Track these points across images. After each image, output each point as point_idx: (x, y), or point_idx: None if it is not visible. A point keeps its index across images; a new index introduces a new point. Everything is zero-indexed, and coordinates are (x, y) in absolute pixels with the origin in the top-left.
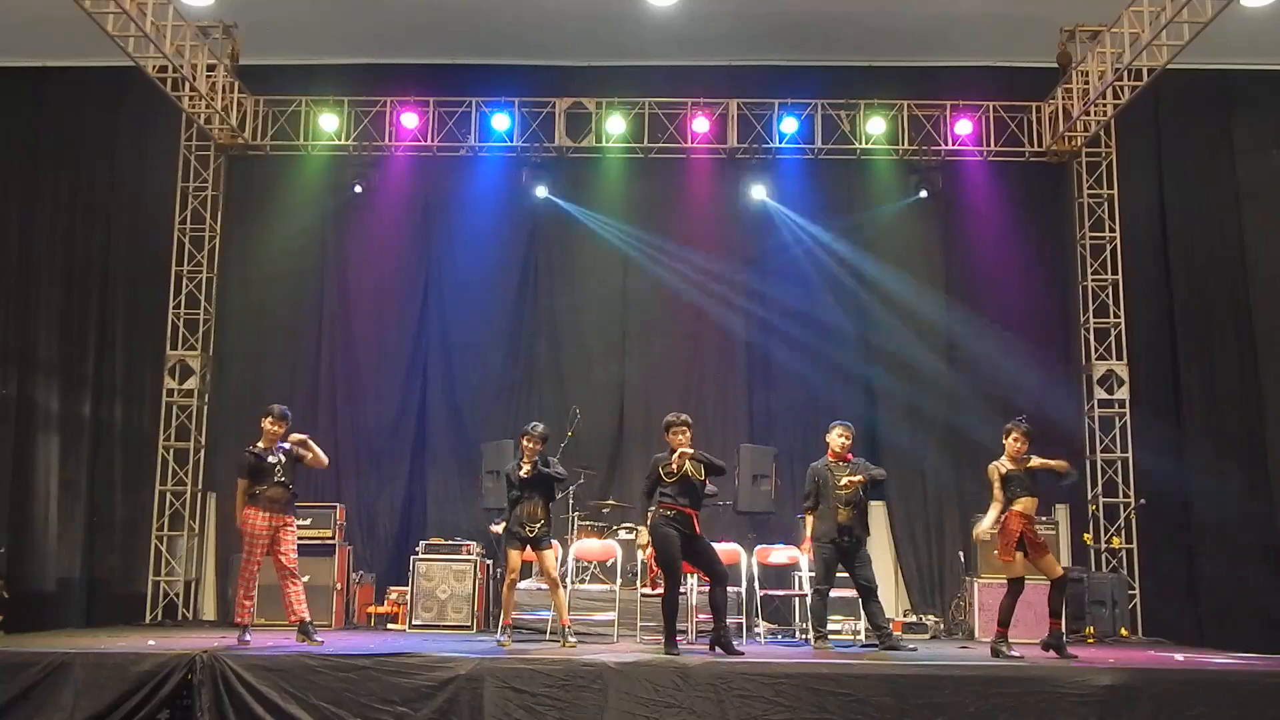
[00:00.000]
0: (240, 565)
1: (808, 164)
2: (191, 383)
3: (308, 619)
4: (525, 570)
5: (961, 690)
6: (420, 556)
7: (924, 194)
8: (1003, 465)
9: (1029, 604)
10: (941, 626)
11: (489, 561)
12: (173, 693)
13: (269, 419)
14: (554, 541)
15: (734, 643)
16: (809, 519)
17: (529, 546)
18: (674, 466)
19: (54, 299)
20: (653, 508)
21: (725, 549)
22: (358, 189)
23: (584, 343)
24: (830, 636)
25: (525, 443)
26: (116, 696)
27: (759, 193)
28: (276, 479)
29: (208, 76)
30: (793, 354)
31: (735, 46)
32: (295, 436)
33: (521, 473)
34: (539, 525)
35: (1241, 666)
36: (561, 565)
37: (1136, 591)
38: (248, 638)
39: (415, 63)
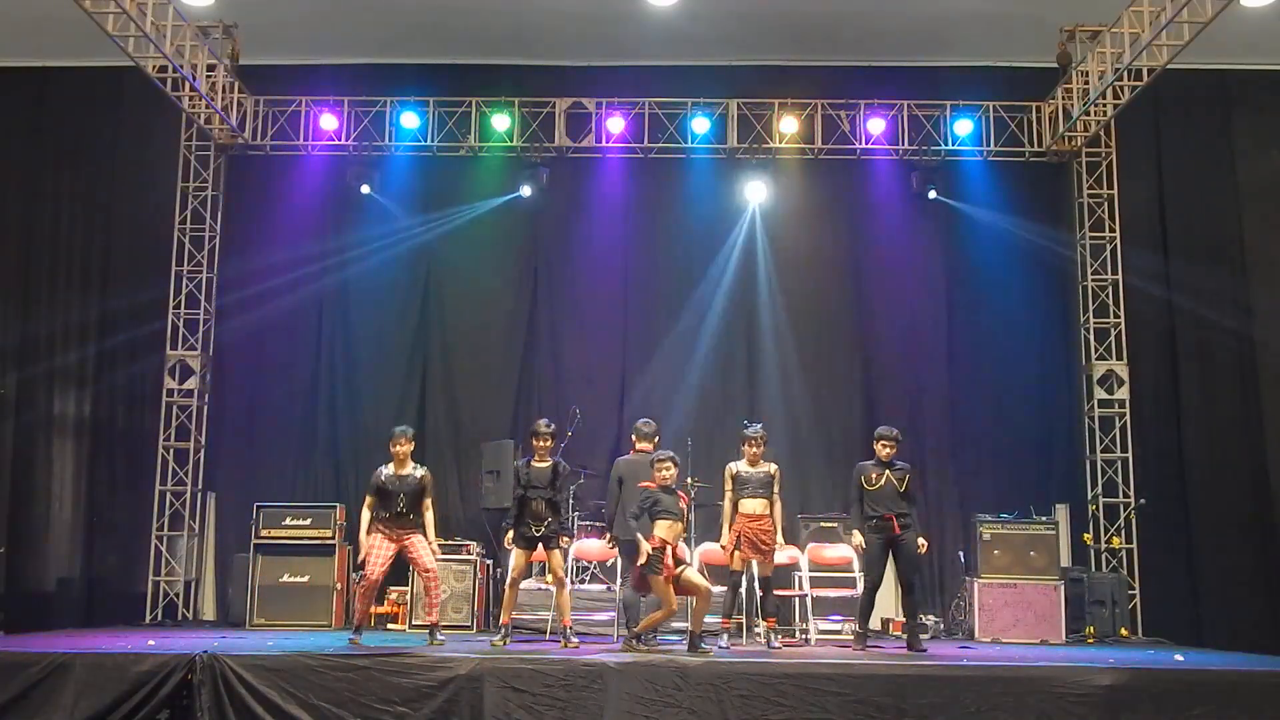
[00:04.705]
0: (358, 580)
1: (808, 164)
2: (191, 383)
3: (435, 622)
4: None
5: (961, 690)
6: None
7: (932, 194)
8: None
9: (1029, 604)
10: (941, 626)
11: (489, 561)
12: (173, 693)
13: (391, 441)
14: (570, 538)
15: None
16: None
17: (540, 546)
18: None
19: (54, 299)
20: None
21: None
22: (365, 189)
23: (584, 343)
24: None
25: (537, 442)
26: (116, 696)
27: (759, 193)
28: (399, 509)
29: (208, 76)
30: (793, 354)
31: (735, 46)
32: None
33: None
34: (545, 524)
35: (1241, 666)
36: None
37: (1136, 591)
38: (358, 639)
39: (415, 63)
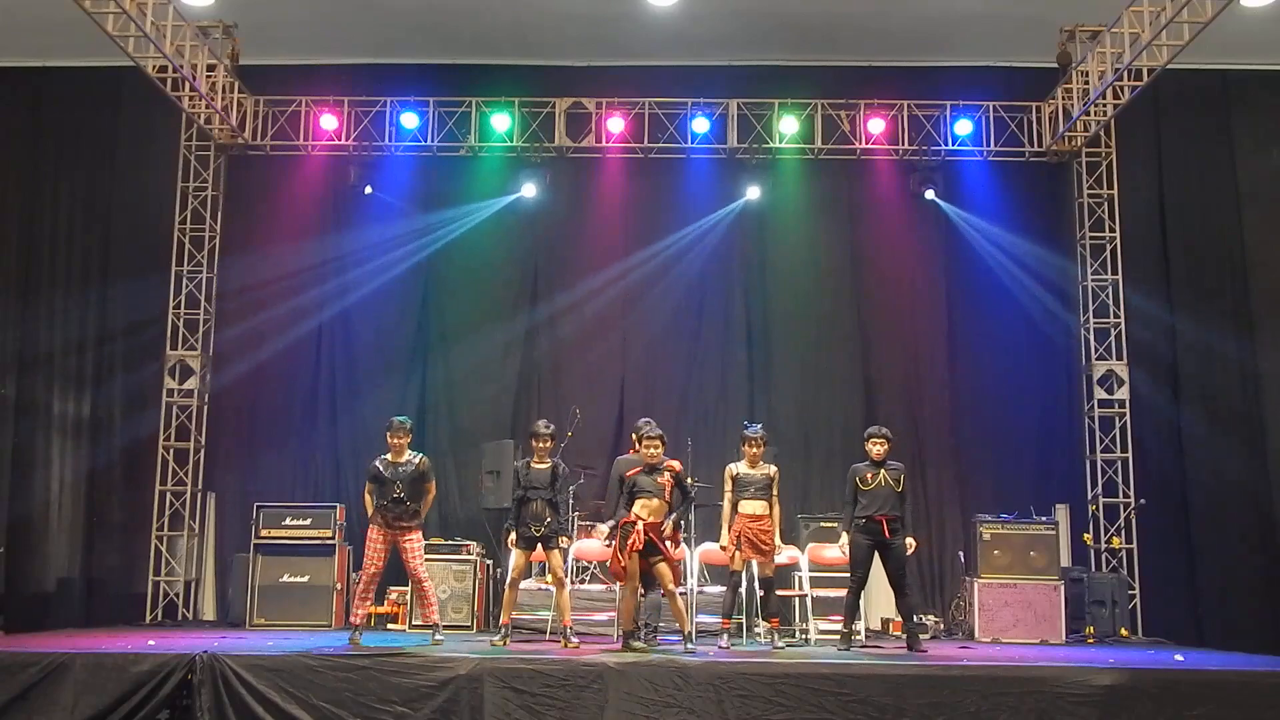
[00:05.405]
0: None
1: (808, 164)
2: (191, 383)
3: (435, 622)
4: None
5: (961, 690)
6: None
7: (931, 194)
8: None
9: (1029, 604)
10: (941, 626)
11: (489, 561)
12: (173, 693)
13: (389, 432)
14: (569, 538)
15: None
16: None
17: (539, 546)
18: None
19: (54, 299)
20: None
21: None
22: (368, 190)
23: (584, 343)
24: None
25: (536, 443)
26: (116, 696)
27: (758, 193)
28: (395, 495)
29: (208, 76)
30: (793, 354)
31: (735, 46)
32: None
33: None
34: (545, 524)
35: (1241, 666)
36: None
37: (1136, 591)
38: (357, 637)
39: (415, 63)
